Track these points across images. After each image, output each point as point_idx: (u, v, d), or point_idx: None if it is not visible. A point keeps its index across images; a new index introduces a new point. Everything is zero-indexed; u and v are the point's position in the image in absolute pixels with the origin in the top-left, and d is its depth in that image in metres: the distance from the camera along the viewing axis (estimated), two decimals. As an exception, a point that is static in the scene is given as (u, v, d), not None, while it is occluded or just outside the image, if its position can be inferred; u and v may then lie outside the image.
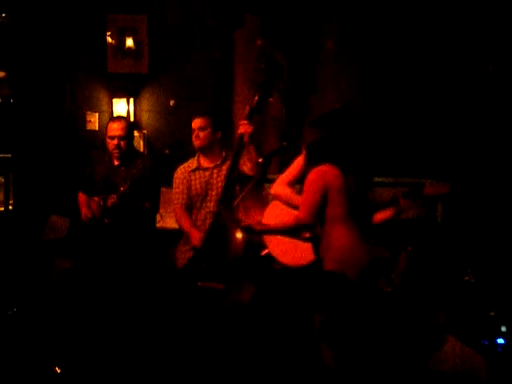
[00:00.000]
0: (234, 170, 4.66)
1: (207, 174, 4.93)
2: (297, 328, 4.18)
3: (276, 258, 4.28)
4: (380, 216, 4.15)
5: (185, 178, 4.98)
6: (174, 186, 5.02)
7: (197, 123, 4.89)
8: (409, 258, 5.04)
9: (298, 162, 4.36)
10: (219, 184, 4.88)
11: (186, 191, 4.96)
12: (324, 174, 3.94)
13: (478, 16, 6.03)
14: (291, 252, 4.21)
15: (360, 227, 3.99)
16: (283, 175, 4.36)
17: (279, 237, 4.22)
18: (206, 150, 4.93)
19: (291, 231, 4.20)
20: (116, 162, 5.15)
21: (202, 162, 4.98)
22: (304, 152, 4.29)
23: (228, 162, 4.87)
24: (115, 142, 5.06)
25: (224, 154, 4.95)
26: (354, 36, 6.43)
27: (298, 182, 4.27)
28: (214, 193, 4.89)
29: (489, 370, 3.69)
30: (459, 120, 6.12)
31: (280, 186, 4.32)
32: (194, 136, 4.89)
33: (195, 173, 4.97)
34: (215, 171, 4.92)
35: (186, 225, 4.90)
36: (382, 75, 6.36)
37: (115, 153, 5.09)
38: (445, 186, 4.12)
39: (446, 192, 4.17)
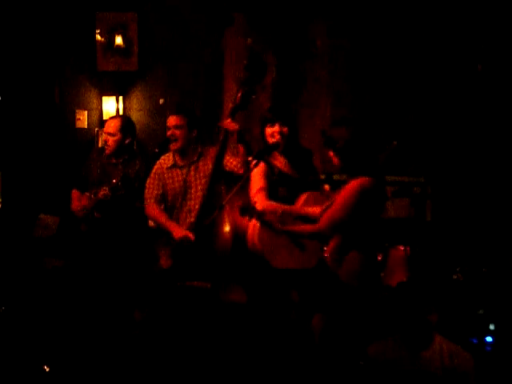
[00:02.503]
0: (218, 167, 4.63)
1: (184, 171, 4.88)
2: (287, 328, 4.18)
3: (272, 264, 4.23)
4: None
5: (161, 173, 4.91)
6: (148, 181, 4.92)
7: (172, 121, 4.84)
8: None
9: (259, 175, 4.30)
10: (198, 181, 4.84)
11: (160, 187, 4.90)
12: (364, 192, 3.75)
13: (467, 16, 6.06)
14: (288, 257, 4.18)
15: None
16: (258, 192, 4.29)
17: (276, 243, 4.18)
18: (182, 150, 4.91)
19: (305, 236, 4.12)
20: (113, 160, 5.17)
21: (178, 160, 4.92)
22: (255, 163, 4.23)
23: (203, 158, 4.86)
24: (104, 137, 5.13)
25: (200, 150, 4.91)
26: (343, 34, 6.45)
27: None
28: (193, 190, 4.84)
29: (477, 367, 3.70)
30: (449, 119, 6.14)
31: (264, 202, 4.23)
32: (169, 134, 4.83)
33: (171, 170, 4.91)
34: (192, 168, 4.87)
35: (163, 219, 4.82)
36: (372, 73, 6.37)
37: (105, 148, 5.14)
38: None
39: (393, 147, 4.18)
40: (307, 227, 3.99)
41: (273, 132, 4.38)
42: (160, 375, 4.33)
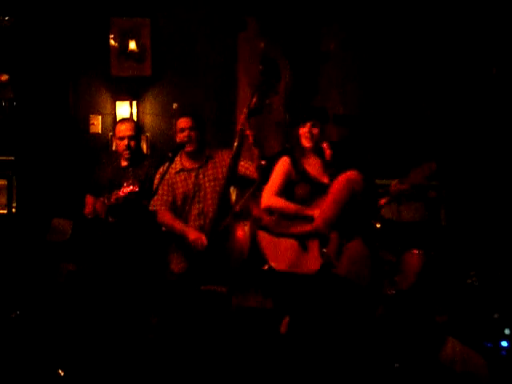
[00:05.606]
0: (233, 171, 4.63)
1: (193, 174, 4.87)
2: (300, 331, 4.17)
3: (276, 268, 4.23)
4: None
5: (169, 178, 4.88)
6: (158, 187, 4.85)
7: (187, 122, 4.82)
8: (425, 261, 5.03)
9: (279, 170, 4.31)
10: (207, 184, 4.84)
11: (170, 193, 4.89)
12: (353, 184, 3.85)
13: (480, 19, 6.04)
14: (291, 260, 4.17)
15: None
16: (269, 187, 4.31)
17: (278, 247, 4.18)
18: (196, 151, 4.90)
19: (303, 237, 4.14)
20: (123, 164, 5.17)
21: (186, 163, 4.91)
22: (284, 158, 4.25)
23: (211, 161, 4.86)
24: (125, 142, 5.09)
25: (207, 154, 4.91)
26: (355, 38, 6.44)
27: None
28: (202, 194, 4.84)
29: (491, 371, 3.68)
30: (463, 123, 6.12)
31: (271, 197, 4.27)
32: (184, 136, 4.80)
33: (179, 174, 4.90)
34: (201, 171, 4.87)
35: (176, 224, 4.81)
36: (385, 77, 6.36)
37: (125, 153, 5.12)
38: (428, 167, 4.17)
39: (432, 170, 4.20)
40: (304, 228, 4.02)
41: (304, 132, 4.34)
42: (174, 379, 4.33)
